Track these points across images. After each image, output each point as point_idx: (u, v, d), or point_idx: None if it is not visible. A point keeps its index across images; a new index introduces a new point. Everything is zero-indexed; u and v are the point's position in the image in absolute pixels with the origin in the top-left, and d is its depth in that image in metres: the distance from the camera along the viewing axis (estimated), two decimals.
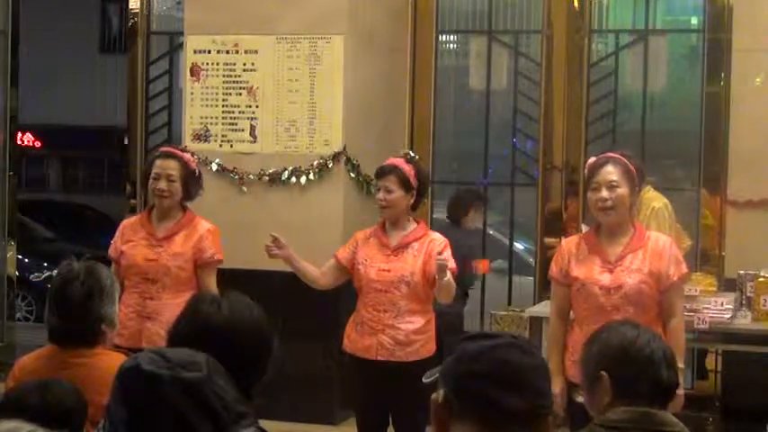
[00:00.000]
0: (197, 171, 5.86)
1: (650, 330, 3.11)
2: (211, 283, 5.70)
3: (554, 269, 5.08)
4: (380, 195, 5.51)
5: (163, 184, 5.66)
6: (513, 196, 8.92)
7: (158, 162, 5.73)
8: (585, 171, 5.06)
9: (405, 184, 5.49)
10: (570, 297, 5.01)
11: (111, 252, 5.79)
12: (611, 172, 4.88)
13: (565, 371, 4.99)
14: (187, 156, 5.90)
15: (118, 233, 5.84)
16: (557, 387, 4.97)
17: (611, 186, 4.85)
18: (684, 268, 5.02)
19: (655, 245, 4.93)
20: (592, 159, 5.07)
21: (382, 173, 5.54)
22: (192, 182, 5.76)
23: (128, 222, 5.90)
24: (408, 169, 5.53)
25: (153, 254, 5.64)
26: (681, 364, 4.75)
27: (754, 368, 7.20)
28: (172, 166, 5.69)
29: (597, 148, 8.58)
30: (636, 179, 4.94)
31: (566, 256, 5.01)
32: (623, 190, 4.87)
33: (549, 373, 2.23)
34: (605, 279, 4.88)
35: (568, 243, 5.11)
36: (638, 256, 4.89)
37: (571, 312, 5.10)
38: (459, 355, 2.19)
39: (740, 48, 7.90)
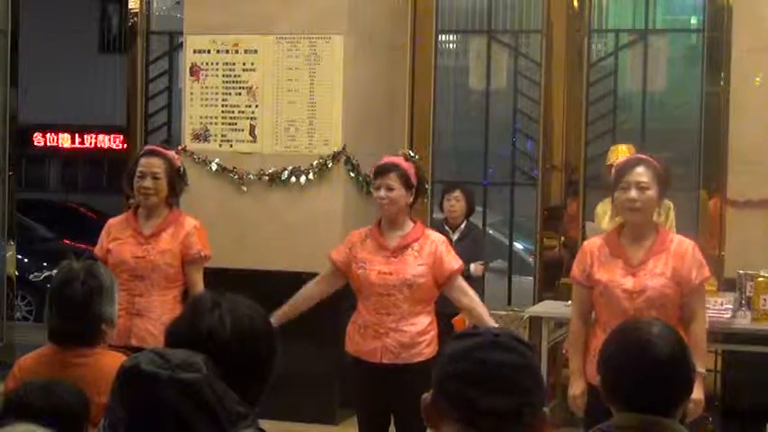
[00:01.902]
0: (181, 168, 5.86)
1: (665, 334, 2.92)
2: (198, 279, 5.71)
3: (576, 271, 5.02)
4: (382, 193, 5.42)
5: (148, 183, 5.65)
6: (512, 196, 8.92)
7: (143, 160, 5.71)
8: (614, 169, 5.01)
9: (406, 181, 5.44)
10: (592, 299, 4.98)
11: (97, 251, 5.76)
12: (641, 173, 4.84)
13: (585, 372, 4.95)
14: (171, 153, 5.91)
15: (104, 232, 5.81)
16: (578, 389, 4.96)
17: (640, 187, 4.82)
18: (707, 272, 4.97)
19: (678, 248, 4.89)
20: (623, 159, 5.04)
21: (382, 171, 5.46)
22: (176, 179, 5.76)
23: (114, 221, 5.87)
24: (408, 167, 5.48)
25: (141, 251, 5.64)
26: (701, 369, 4.72)
27: (754, 368, 7.20)
28: (156, 164, 5.68)
29: (597, 148, 8.60)
30: (665, 182, 4.91)
31: (588, 258, 4.96)
32: (652, 192, 4.83)
33: (536, 370, 2.19)
34: (628, 283, 4.84)
35: (590, 245, 5.04)
36: (661, 259, 4.85)
37: (592, 314, 5.07)
38: (443, 355, 2.21)
39: (740, 48, 7.90)
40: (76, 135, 23.39)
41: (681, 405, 2.88)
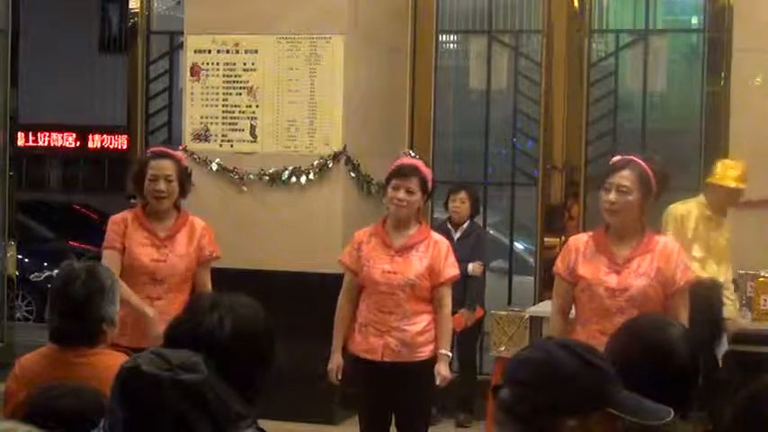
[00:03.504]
0: (188, 168, 5.86)
1: (686, 339, 2.94)
2: (207, 280, 5.72)
3: (559, 265, 5.01)
4: (401, 195, 5.44)
5: (162, 186, 5.60)
6: (513, 196, 8.91)
7: (153, 163, 5.65)
8: (605, 168, 5.00)
9: (424, 186, 5.49)
10: (573, 295, 4.97)
11: (114, 242, 5.60)
12: (625, 177, 4.82)
13: None
14: (179, 154, 5.89)
15: (115, 227, 5.65)
16: None
17: (620, 191, 4.81)
18: (691, 274, 4.97)
19: (663, 249, 4.88)
20: (615, 158, 4.98)
21: (404, 173, 5.47)
22: (186, 180, 5.74)
23: (121, 218, 5.71)
24: (427, 173, 5.54)
25: (159, 254, 5.60)
26: None
27: (754, 368, 7.19)
28: (168, 167, 5.63)
29: (597, 148, 8.60)
30: (652, 185, 4.87)
31: (573, 253, 4.95)
32: (633, 197, 4.81)
33: (542, 367, 2.22)
34: (612, 280, 4.84)
35: (576, 240, 5.04)
36: (645, 259, 4.85)
37: (572, 311, 5.07)
38: None
39: (740, 48, 7.90)
40: (77, 135, 23.38)
41: (688, 408, 2.88)
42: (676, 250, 4.93)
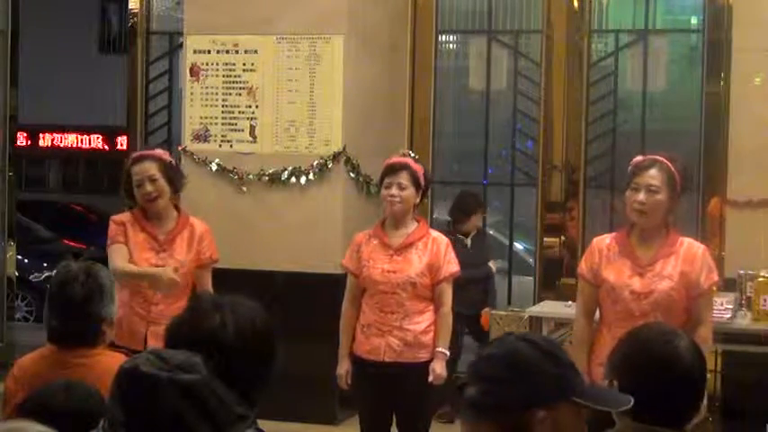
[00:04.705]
0: (173, 161, 5.82)
1: (693, 349, 2.93)
2: (208, 282, 5.70)
3: (583, 267, 4.97)
4: (393, 191, 5.47)
5: (148, 188, 5.56)
6: (512, 196, 8.91)
7: (135, 168, 5.62)
8: (629, 169, 4.96)
9: (416, 181, 5.51)
10: (597, 298, 4.93)
11: (119, 238, 5.57)
12: (654, 176, 4.80)
13: (590, 373, 4.85)
14: (158, 152, 5.83)
15: (117, 226, 5.62)
16: None
17: (650, 190, 4.78)
18: (715, 276, 4.93)
19: (687, 251, 4.85)
20: (638, 158, 4.95)
21: (394, 169, 5.52)
22: (173, 174, 5.69)
23: (121, 219, 5.68)
24: (418, 168, 5.56)
25: (158, 259, 5.56)
26: None
27: (754, 368, 7.19)
28: (149, 168, 5.59)
29: (597, 148, 8.60)
30: (678, 186, 4.84)
31: (596, 255, 4.92)
32: (662, 196, 4.79)
33: (513, 361, 2.22)
34: (636, 284, 4.80)
35: (599, 242, 4.99)
36: (669, 261, 4.81)
37: (596, 314, 5.01)
38: None
39: (740, 48, 7.90)
40: (77, 135, 23.39)
41: (692, 420, 2.88)
42: (701, 252, 4.88)
